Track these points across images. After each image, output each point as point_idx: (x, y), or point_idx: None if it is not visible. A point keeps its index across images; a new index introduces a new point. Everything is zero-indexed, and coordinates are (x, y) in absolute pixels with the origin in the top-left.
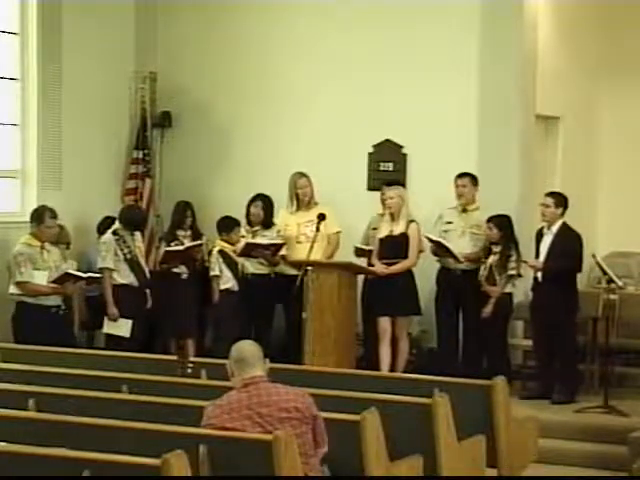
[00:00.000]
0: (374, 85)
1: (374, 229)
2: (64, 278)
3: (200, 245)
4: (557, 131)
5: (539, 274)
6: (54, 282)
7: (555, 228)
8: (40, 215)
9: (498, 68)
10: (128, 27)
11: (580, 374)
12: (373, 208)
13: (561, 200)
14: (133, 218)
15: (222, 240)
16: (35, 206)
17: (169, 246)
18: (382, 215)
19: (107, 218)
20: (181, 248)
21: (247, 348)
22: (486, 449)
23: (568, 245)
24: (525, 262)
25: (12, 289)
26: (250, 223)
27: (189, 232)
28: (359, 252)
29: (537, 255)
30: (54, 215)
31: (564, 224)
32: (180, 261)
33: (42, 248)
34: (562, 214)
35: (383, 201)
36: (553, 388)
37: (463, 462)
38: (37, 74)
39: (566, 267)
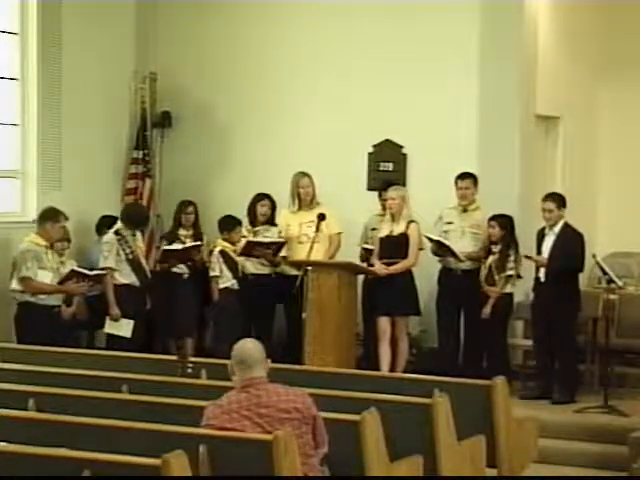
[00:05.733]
0: (374, 85)
1: (373, 229)
2: (70, 275)
3: (199, 246)
4: (557, 131)
5: (541, 274)
6: (60, 283)
7: (557, 228)
8: (56, 215)
9: (498, 68)
10: (128, 27)
11: (580, 374)
12: (373, 208)
13: (561, 200)
14: (135, 216)
15: (223, 239)
16: (35, 206)
17: (169, 245)
18: (380, 215)
19: (105, 217)
20: (179, 247)
21: (248, 348)
22: (486, 449)
23: (570, 245)
24: (529, 257)
25: (14, 284)
26: (252, 222)
27: (191, 232)
28: (366, 254)
29: (539, 255)
30: (66, 218)
31: (566, 224)
32: (178, 261)
33: (47, 248)
34: (563, 214)
35: (383, 204)
36: (553, 388)
37: (463, 462)
38: (37, 74)
39: (568, 267)
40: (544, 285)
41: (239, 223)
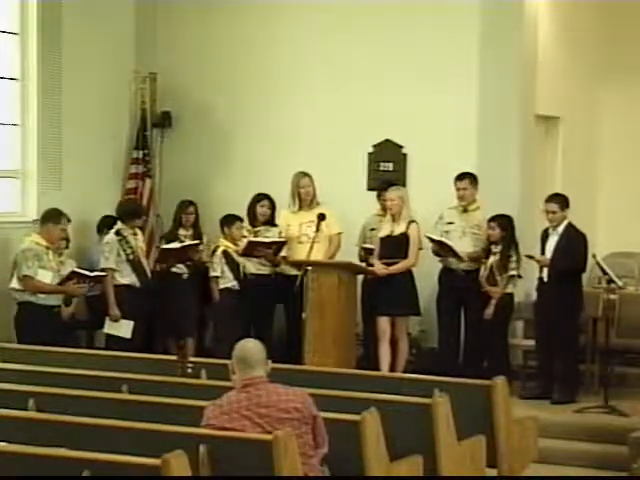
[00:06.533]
0: (374, 85)
1: (372, 229)
2: (70, 276)
3: (197, 245)
4: (557, 131)
5: (544, 274)
6: (60, 284)
7: (561, 229)
8: (58, 216)
9: (498, 68)
10: (128, 27)
11: (580, 374)
12: (373, 208)
13: (564, 201)
14: (131, 208)
15: (224, 237)
16: (35, 206)
17: (168, 245)
18: (379, 215)
19: (107, 217)
20: (177, 246)
21: (250, 348)
22: (486, 449)
23: (573, 245)
24: (532, 257)
25: (14, 283)
26: (252, 223)
27: (190, 231)
28: (365, 254)
29: (542, 255)
30: (69, 220)
31: (569, 224)
32: (176, 260)
33: (47, 249)
34: (566, 215)
35: (382, 204)
36: (553, 388)
37: (463, 462)
38: (37, 74)
39: (571, 267)
40: (547, 285)
41: (238, 219)
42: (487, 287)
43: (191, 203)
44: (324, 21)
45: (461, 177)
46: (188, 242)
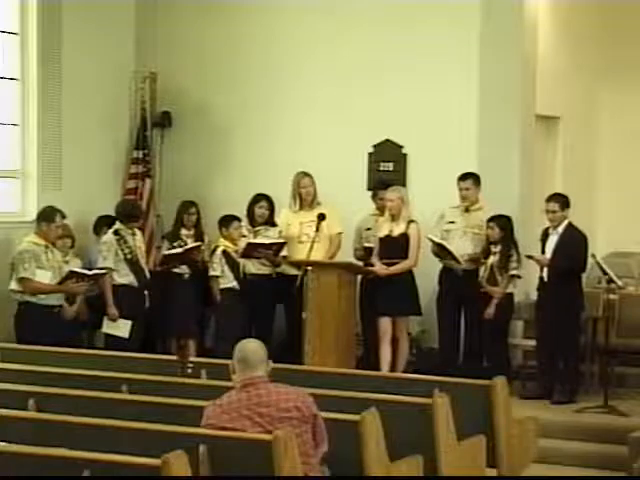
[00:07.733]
0: (374, 85)
1: (368, 229)
2: (69, 276)
3: (199, 247)
4: (557, 131)
5: (545, 274)
6: (59, 283)
7: (561, 228)
8: (51, 215)
9: (498, 68)
10: (128, 27)
11: (580, 374)
12: (373, 208)
13: (564, 201)
14: (129, 210)
15: (223, 237)
16: (35, 206)
17: (172, 245)
18: (374, 215)
19: (102, 218)
20: (180, 251)
21: (251, 348)
22: (486, 449)
23: (572, 246)
24: (531, 257)
25: (13, 285)
26: (252, 223)
27: (192, 232)
28: (366, 254)
29: (542, 255)
30: (64, 216)
31: (570, 224)
32: (179, 263)
33: (46, 248)
34: (567, 214)
35: (379, 204)
36: (553, 388)
37: (463, 462)
38: (37, 74)
39: (570, 267)
40: (547, 285)
41: (236, 219)
42: (488, 287)
43: (193, 203)
44: (324, 21)
45: (464, 177)
46: (190, 245)
